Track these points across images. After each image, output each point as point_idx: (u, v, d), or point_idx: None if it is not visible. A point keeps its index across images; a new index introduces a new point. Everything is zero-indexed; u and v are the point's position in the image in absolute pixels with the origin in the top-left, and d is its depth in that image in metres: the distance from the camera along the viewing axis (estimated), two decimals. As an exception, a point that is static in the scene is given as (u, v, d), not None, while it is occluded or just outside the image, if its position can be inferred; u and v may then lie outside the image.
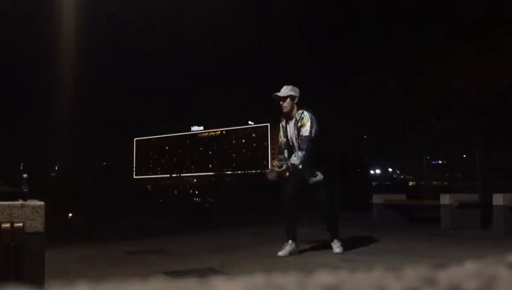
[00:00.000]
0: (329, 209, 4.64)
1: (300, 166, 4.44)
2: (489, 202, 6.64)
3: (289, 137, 4.61)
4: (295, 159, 4.43)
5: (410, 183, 13.02)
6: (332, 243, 4.66)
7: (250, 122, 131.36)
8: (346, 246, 4.70)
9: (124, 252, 4.96)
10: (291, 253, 4.49)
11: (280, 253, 4.46)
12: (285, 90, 4.64)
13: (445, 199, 7.06)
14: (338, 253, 4.55)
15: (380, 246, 5.18)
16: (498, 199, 6.39)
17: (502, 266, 0.41)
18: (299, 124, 4.52)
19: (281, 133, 4.72)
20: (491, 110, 12.66)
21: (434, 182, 10.88)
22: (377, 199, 8.67)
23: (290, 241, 4.53)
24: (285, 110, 4.62)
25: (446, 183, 10.78)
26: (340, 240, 4.69)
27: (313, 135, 4.48)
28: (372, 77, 15.50)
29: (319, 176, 4.53)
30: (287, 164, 4.42)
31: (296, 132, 4.54)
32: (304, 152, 4.42)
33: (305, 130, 4.48)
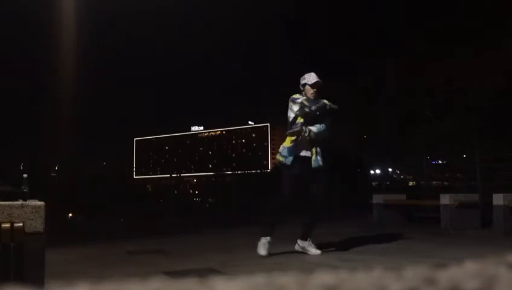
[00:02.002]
0: (318, 205, 4.63)
1: (315, 130, 4.53)
2: (489, 202, 6.64)
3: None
4: (314, 128, 4.55)
5: (410, 183, 13.01)
6: (308, 245, 4.57)
7: (250, 122, 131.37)
8: (347, 246, 4.70)
9: (124, 252, 4.96)
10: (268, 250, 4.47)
11: (263, 252, 4.41)
12: (318, 79, 4.69)
13: (445, 199, 7.06)
14: (318, 254, 4.48)
15: (380, 246, 5.18)
16: (498, 199, 6.40)
17: (502, 266, 0.41)
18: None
19: (301, 111, 4.63)
20: (491, 110, 12.66)
21: (434, 182, 10.88)
22: (377, 199, 8.67)
23: (269, 238, 4.48)
24: (315, 96, 4.67)
25: (446, 183, 10.78)
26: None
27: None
28: (372, 77, 15.51)
29: (321, 163, 4.59)
30: (304, 126, 4.54)
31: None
32: (324, 126, 4.56)
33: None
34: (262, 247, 4.45)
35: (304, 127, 4.53)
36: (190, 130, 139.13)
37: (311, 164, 4.55)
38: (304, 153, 4.57)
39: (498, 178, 8.57)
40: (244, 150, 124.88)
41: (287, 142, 4.64)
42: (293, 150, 4.56)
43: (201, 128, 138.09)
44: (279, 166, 4.68)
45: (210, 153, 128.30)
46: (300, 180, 4.56)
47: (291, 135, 4.63)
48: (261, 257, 4.38)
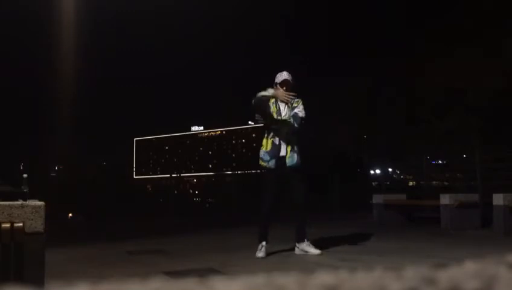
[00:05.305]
0: (303, 205, 4.63)
1: (291, 121, 4.60)
2: (489, 202, 6.64)
3: (282, 116, 4.66)
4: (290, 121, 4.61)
5: (410, 183, 13.02)
6: (306, 246, 4.57)
7: (250, 122, 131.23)
8: (347, 246, 4.69)
9: (124, 252, 4.96)
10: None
11: (260, 254, 4.45)
12: (290, 77, 4.74)
13: (445, 199, 7.06)
14: (318, 254, 4.49)
15: (380, 246, 5.18)
16: (498, 199, 6.40)
17: (502, 266, 0.41)
18: (294, 104, 4.67)
19: (272, 108, 4.69)
20: (491, 110, 12.67)
21: (434, 182, 10.88)
22: (377, 199, 8.67)
23: (265, 243, 4.53)
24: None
25: (446, 183, 10.78)
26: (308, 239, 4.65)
27: (305, 116, 4.67)
28: (372, 78, 15.51)
29: (297, 160, 4.59)
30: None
31: (289, 113, 4.66)
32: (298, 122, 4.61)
33: (300, 110, 4.67)
34: (259, 250, 4.50)
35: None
36: (190, 130, 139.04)
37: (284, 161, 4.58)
38: (282, 153, 4.60)
39: (498, 178, 8.57)
40: (244, 150, 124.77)
41: (266, 147, 4.66)
42: (273, 152, 4.60)
43: (201, 128, 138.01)
44: (263, 171, 4.70)
45: (210, 153, 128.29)
46: (282, 180, 4.61)
47: (258, 102, 4.61)
48: (260, 258, 4.41)
